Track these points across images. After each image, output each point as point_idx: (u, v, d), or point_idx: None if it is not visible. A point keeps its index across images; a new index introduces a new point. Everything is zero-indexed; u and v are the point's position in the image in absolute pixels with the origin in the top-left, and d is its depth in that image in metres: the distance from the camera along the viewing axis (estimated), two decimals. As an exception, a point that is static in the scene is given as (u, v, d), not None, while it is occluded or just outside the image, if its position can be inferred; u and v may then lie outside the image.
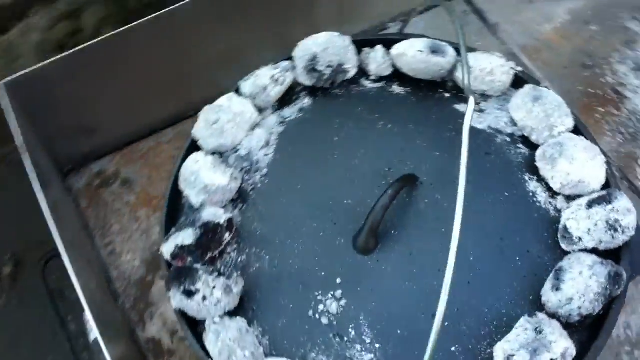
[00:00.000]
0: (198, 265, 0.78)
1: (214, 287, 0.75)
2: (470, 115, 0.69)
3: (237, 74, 0.91)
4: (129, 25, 1.01)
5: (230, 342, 0.74)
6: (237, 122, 0.87)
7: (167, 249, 0.79)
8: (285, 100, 0.93)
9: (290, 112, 0.92)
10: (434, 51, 0.90)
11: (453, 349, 0.74)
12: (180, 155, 0.88)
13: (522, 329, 0.72)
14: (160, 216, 0.86)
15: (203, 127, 0.87)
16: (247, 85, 0.91)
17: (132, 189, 1.15)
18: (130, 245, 1.10)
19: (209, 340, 0.74)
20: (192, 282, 0.75)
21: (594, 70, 1.22)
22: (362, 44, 0.94)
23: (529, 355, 0.70)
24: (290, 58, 0.93)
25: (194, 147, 0.88)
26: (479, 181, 0.80)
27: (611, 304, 0.75)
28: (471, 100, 0.70)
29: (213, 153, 0.87)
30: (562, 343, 0.71)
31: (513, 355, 0.70)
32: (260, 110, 0.91)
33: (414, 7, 0.99)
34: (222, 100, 0.88)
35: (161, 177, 1.15)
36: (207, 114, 0.87)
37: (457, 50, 0.90)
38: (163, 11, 1.02)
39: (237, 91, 0.91)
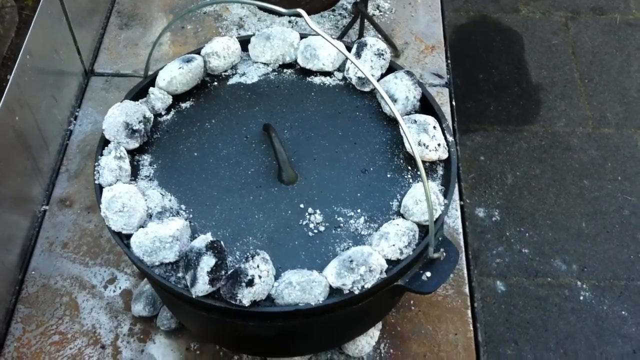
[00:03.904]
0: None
1: (257, 266, 0.92)
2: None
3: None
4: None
5: (301, 280, 0.93)
6: (133, 197, 1.01)
7: (201, 287, 0.91)
8: (133, 167, 1.08)
9: (146, 170, 1.08)
10: (189, 61, 1.15)
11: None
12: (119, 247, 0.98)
13: (408, 128, 1.06)
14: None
15: (118, 219, 0.98)
16: (105, 175, 1.04)
17: None
18: None
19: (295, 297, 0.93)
20: (244, 275, 0.91)
21: None
22: (136, 97, 1.14)
23: (424, 132, 1.05)
24: (107, 141, 1.08)
25: (122, 237, 0.99)
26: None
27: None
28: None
29: (140, 227, 1.00)
30: (429, 119, 1.07)
31: (419, 139, 1.04)
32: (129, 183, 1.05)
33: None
34: (108, 194, 1.00)
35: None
36: (111, 209, 0.98)
37: (198, 52, 1.17)
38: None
39: (101, 187, 1.03)
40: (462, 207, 1.34)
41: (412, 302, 1.22)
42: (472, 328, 1.19)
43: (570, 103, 2.15)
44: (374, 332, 1.17)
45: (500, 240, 1.84)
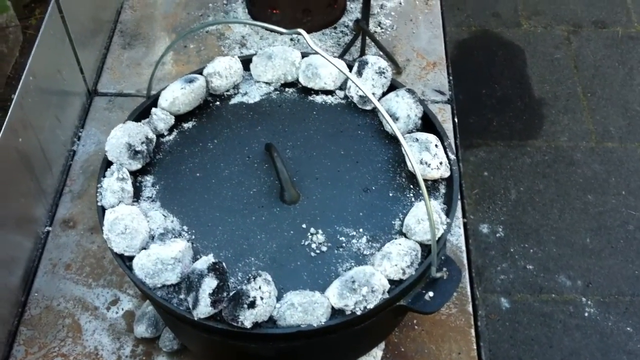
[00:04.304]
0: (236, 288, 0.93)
1: (259, 287, 0.92)
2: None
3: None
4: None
5: (303, 302, 0.93)
6: (136, 218, 1.00)
7: (203, 309, 0.91)
8: (135, 188, 1.08)
9: (149, 191, 1.08)
10: (191, 81, 1.15)
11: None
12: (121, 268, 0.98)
13: (409, 147, 1.06)
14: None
15: (120, 241, 0.98)
16: (107, 197, 1.04)
17: None
18: None
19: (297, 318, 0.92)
20: (246, 296, 0.91)
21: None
22: (138, 118, 1.14)
23: (426, 151, 1.04)
24: (110, 163, 1.08)
25: (124, 259, 0.99)
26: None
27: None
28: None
29: (142, 249, 1.00)
30: (431, 137, 1.07)
31: (421, 157, 1.04)
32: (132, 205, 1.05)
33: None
34: (110, 217, 1.00)
35: None
36: (113, 231, 0.98)
37: (200, 72, 1.18)
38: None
39: (104, 209, 1.04)
40: (465, 224, 1.34)
41: (415, 321, 1.21)
42: (475, 347, 1.18)
43: (573, 117, 2.15)
44: (377, 352, 1.16)
45: (505, 257, 1.84)
